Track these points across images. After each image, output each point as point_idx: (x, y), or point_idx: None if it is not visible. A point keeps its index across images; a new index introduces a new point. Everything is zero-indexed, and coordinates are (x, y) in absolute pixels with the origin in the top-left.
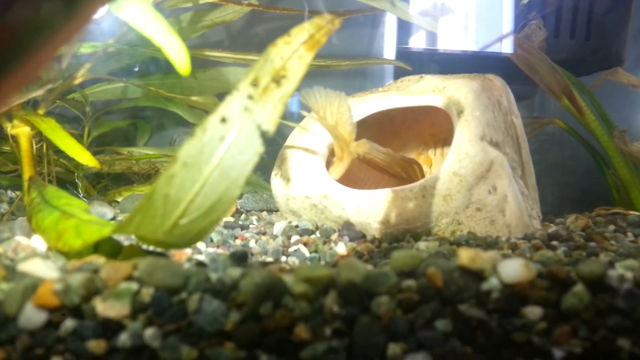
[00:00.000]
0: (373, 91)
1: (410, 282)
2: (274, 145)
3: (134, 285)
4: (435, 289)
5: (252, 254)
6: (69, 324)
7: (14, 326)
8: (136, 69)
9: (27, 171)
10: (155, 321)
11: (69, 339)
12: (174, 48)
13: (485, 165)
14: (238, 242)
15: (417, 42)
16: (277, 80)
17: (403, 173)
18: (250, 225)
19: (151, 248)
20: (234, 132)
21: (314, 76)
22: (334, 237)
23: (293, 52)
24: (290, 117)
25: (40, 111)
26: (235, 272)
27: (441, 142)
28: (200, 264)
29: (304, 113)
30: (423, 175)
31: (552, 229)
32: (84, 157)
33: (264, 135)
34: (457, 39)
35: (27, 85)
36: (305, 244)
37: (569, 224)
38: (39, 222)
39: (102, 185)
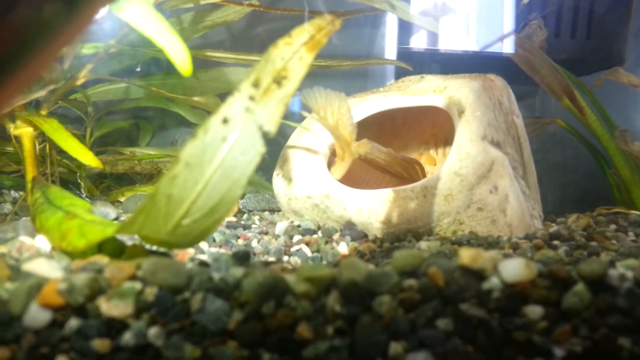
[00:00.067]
0: (374, 91)
1: (411, 282)
2: (275, 146)
3: (137, 285)
4: (436, 289)
5: (254, 254)
6: (73, 323)
7: (19, 325)
8: (138, 70)
9: (30, 171)
10: (159, 320)
11: (74, 337)
12: (176, 48)
13: (487, 165)
14: (240, 242)
15: (418, 42)
16: (278, 81)
17: (404, 173)
18: (253, 225)
19: (154, 248)
20: (236, 133)
21: (315, 76)
22: (336, 236)
23: (294, 52)
24: (291, 117)
25: (43, 112)
26: (237, 271)
27: (442, 142)
28: (203, 264)
29: (305, 114)
30: (424, 175)
31: (554, 228)
32: (87, 158)
33: (265, 135)
34: (458, 39)
35: (30, 86)
36: (307, 244)
37: (570, 223)
38: (43, 222)
39: (104, 185)
